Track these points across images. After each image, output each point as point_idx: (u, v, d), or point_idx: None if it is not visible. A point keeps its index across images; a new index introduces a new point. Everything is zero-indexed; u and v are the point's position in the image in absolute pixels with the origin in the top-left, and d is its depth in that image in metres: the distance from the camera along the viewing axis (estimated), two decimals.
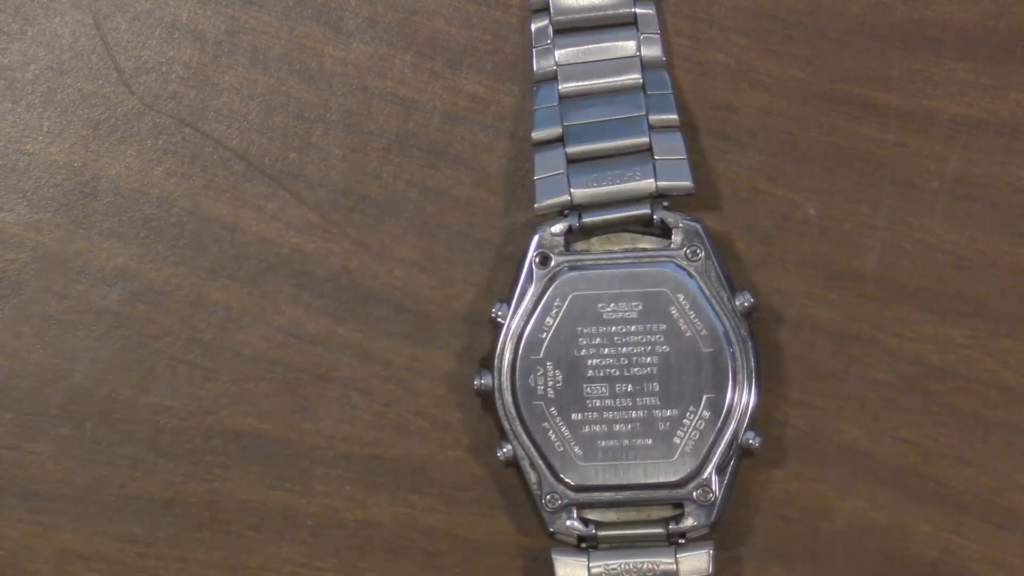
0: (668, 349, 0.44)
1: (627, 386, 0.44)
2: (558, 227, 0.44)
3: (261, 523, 0.45)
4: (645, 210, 0.44)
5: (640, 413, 0.44)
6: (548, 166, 0.44)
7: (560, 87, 0.45)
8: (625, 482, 0.43)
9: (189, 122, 0.46)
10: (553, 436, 0.43)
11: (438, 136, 0.46)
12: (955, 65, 0.46)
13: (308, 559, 0.46)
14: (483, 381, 0.44)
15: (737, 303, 0.44)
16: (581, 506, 0.44)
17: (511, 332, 0.44)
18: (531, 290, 0.44)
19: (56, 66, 0.46)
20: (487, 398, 0.44)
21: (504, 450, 0.44)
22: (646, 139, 0.44)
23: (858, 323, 0.46)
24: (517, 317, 0.44)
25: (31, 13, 0.46)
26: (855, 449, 0.45)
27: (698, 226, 0.44)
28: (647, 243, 0.45)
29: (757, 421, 0.44)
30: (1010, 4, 0.46)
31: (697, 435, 0.43)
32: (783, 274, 0.46)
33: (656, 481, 0.43)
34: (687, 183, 0.44)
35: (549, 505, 0.44)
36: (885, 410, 0.45)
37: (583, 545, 0.44)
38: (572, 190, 0.44)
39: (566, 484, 0.44)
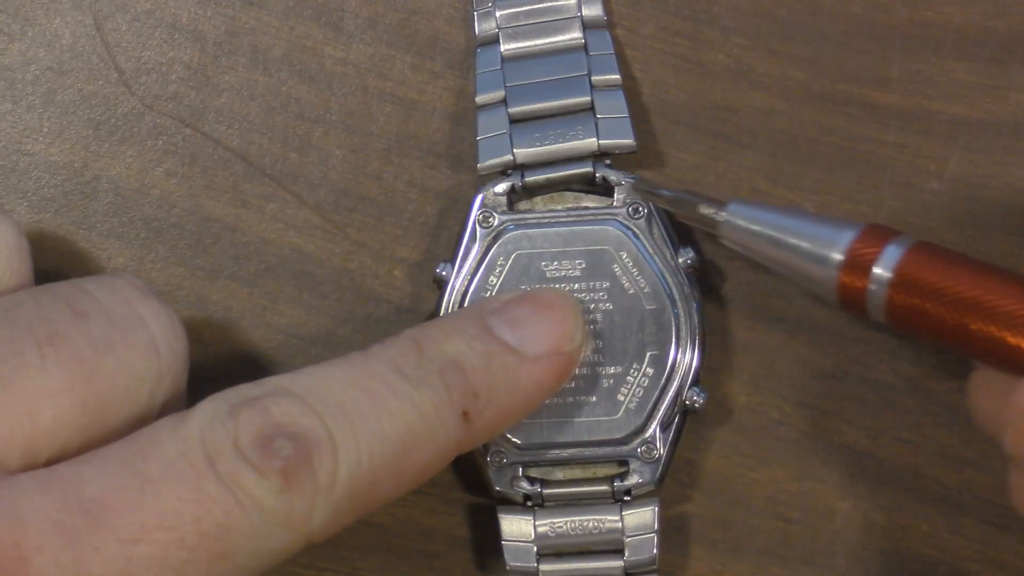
0: (611, 307, 0.44)
1: None
2: (501, 187, 0.45)
3: None
4: (587, 168, 0.44)
5: (584, 370, 0.44)
6: (491, 126, 0.45)
7: (502, 49, 0.45)
8: (570, 440, 0.44)
9: (189, 123, 0.46)
10: None
11: (438, 136, 0.46)
12: (955, 65, 0.46)
13: (308, 559, 0.46)
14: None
15: (680, 260, 0.44)
16: (526, 464, 0.44)
17: (455, 291, 0.44)
18: (475, 249, 0.44)
19: (56, 67, 0.46)
20: None
21: None
22: (588, 98, 0.45)
23: (858, 323, 0.45)
24: (461, 276, 0.44)
25: (31, 14, 0.46)
26: (855, 449, 0.45)
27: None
28: (590, 202, 0.45)
29: (701, 379, 0.44)
30: (1010, 4, 0.46)
31: (641, 392, 0.44)
32: None
33: (600, 438, 0.44)
34: (629, 141, 0.44)
35: (494, 464, 0.44)
36: (885, 410, 0.45)
37: (529, 503, 0.44)
38: (515, 150, 0.44)
39: (511, 443, 0.44)
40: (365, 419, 0.38)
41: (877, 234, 0.39)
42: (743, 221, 0.41)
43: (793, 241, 0.40)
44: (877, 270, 0.38)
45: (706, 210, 0.42)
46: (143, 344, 0.38)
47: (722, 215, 0.41)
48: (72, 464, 0.36)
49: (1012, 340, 0.36)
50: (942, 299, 0.37)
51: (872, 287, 0.38)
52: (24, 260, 0.40)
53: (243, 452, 0.36)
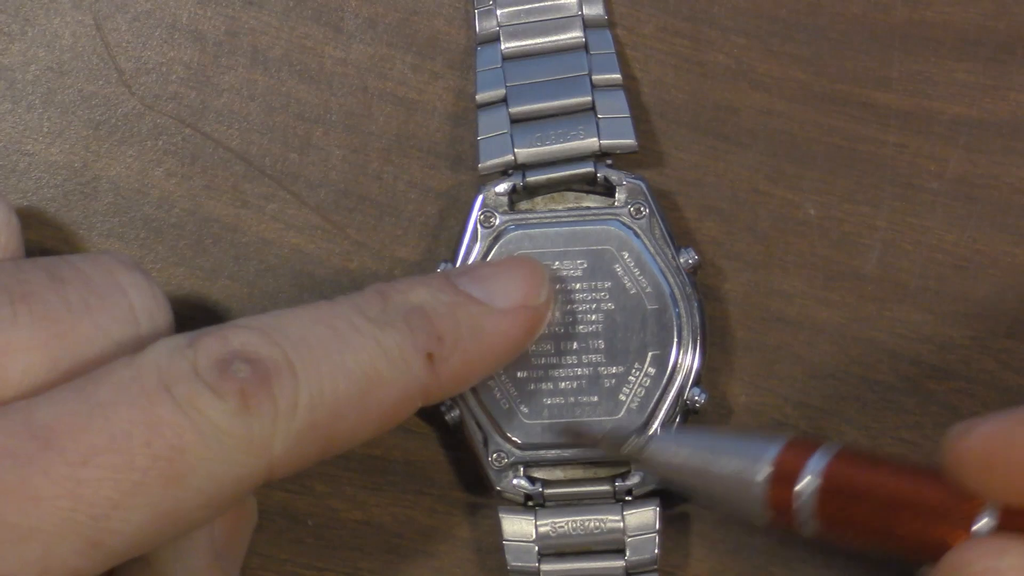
0: (613, 307, 0.44)
1: (572, 344, 0.44)
2: (502, 187, 0.45)
3: (261, 523, 0.45)
4: (588, 168, 0.44)
5: (585, 370, 0.44)
6: (491, 126, 0.45)
7: (503, 47, 0.45)
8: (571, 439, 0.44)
9: (189, 123, 0.46)
10: (499, 394, 0.44)
11: (438, 136, 0.46)
12: (955, 65, 0.46)
13: (308, 559, 0.46)
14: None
15: (682, 260, 0.44)
16: (527, 464, 0.44)
17: None
18: (476, 249, 0.44)
19: (56, 67, 0.46)
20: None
21: (452, 412, 0.44)
22: (589, 98, 0.45)
23: (858, 323, 0.46)
24: None
25: (31, 14, 0.46)
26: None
27: (642, 184, 0.44)
28: (591, 202, 0.45)
29: (703, 379, 0.44)
30: (1010, 4, 0.46)
31: (642, 392, 0.44)
32: (783, 274, 0.46)
33: None
34: (630, 141, 0.44)
35: (495, 464, 0.44)
36: (885, 410, 0.45)
37: (530, 503, 0.44)
38: (516, 149, 0.44)
39: (512, 442, 0.44)
40: (328, 352, 0.37)
41: (801, 444, 0.39)
42: (664, 457, 0.41)
43: (717, 468, 0.40)
44: (805, 479, 0.38)
45: (629, 451, 0.42)
46: (122, 311, 0.38)
47: (643, 452, 0.41)
48: (27, 399, 0.36)
49: (935, 533, 0.37)
50: (872, 500, 0.37)
51: (801, 496, 0.38)
52: (13, 236, 0.40)
53: (200, 375, 0.36)
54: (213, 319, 0.46)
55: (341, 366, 0.38)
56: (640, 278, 0.44)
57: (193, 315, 0.46)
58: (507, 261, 0.43)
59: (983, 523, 0.36)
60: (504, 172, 0.45)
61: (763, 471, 0.39)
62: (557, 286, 0.44)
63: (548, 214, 0.45)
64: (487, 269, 0.42)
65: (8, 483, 0.35)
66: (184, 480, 0.36)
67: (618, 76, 0.45)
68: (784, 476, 0.38)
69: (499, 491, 0.44)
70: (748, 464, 0.39)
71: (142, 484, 0.35)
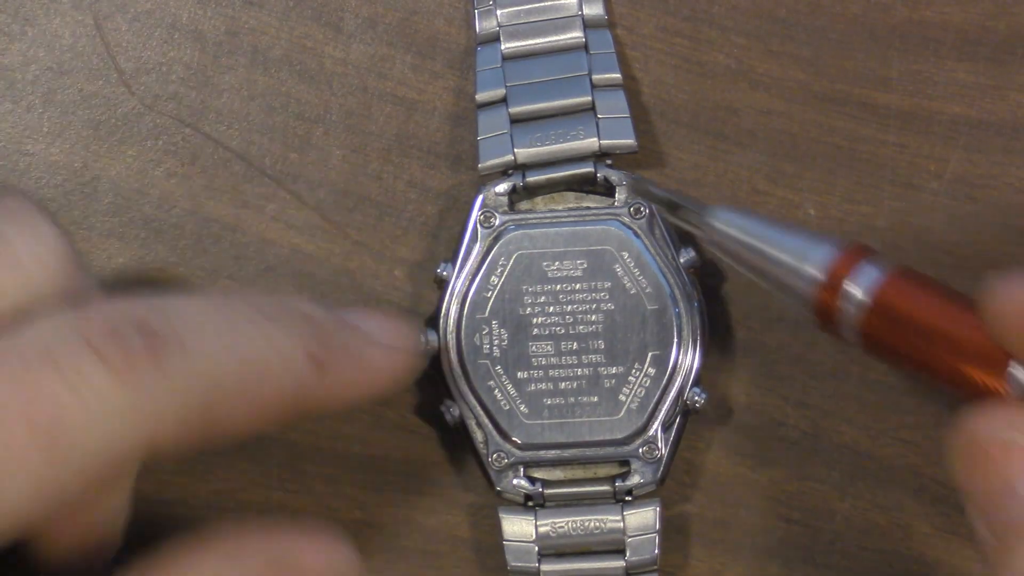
0: (613, 307, 0.44)
1: (572, 344, 0.44)
2: (502, 187, 0.45)
3: None
4: (588, 168, 0.45)
5: (585, 371, 0.44)
6: (491, 126, 0.45)
7: (503, 47, 0.45)
8: (571, 440, 0.44)
9: (189, 123, 0.46)
10: (499, 395, 0.44)
11: (438, 136, 0.46)
12: (955, 65, 0.46)
13: None
14: (429, 340, 0.44)
15: (682, 260, 0.44)
16: (528, 464, 0.44)
17: (456, 291, 0.44)
18: (476, 249, 0.44)
19: (56, 67, 0.46)
20: (433, 358, 0.44)
21: (452, 412, 0.44)
22: (589, 98, 0.45)
23: None
24: (462, 276, 0.44)
25: (31, 14, 0.46)
26: (855, 449, 0.45)
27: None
28: (591, 202, 0.45)
29: (709, 383, 0.44)
30: (1010, 4, 0.46)
31: (642, 392, 0.44)
32: None
33: (602, 438, 0.44)
34: (630, 141, 0.44)
35: (495, 464, 0.44)
36: (885, 410, 0.45)
37: (530, 503, 0.44)
38: (516, 150, 0.44)
39: (512, 442, 0.44)
40: (219, 334, 0.37)
41: (858, 253, 0.39)
42: (727, 227, 0.41)
43: (774, 252, 0.40)
44: (855, 292, 0.38)
45: (693, 213, 0.42)
46: (2, 258, 0.37)
47: (707, 219, 0.41)
48: None
49: (973, 375, 0.37)
50: (915, 329, 0.37)
51: (848, 308, 0.38)
52: (63, 260, 0.39)
53: (91, 343, 0.35)
54: None
55: (232, 349, 0.37)
56: (640, 278, 0.44)
57: None
58: (384, 313, 0.42)
59: (1018, 374, 0.36)
60: (504, 172, 0.45)
61: (815, 275, 0.38)
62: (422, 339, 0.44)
63: (548, 214, 0.45)
64: (371, 312, 0.41)
65: None
66: (63, 451, 0.34)
67: (618, 76, 0.45)
68: (834, 284, 0.38)
69: (499, 491, 0.44)
70: (803, 263, 0.39)
71: (20, 458, 0.34)
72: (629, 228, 0.44)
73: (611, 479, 0.44)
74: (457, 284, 0.44)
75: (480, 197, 0.45)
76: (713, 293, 0.45)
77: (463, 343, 0.44)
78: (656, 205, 0.43)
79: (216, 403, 0.37)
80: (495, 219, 0.44)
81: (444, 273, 0.44)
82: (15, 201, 0.38)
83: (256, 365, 0.37)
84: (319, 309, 0.40)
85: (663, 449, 0.44)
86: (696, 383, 0.44)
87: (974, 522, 0.36)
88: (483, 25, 0.46)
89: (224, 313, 0.38)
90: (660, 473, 0.44)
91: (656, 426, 0.44)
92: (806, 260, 0.39)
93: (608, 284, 0.44)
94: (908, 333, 0.37)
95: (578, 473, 0.44)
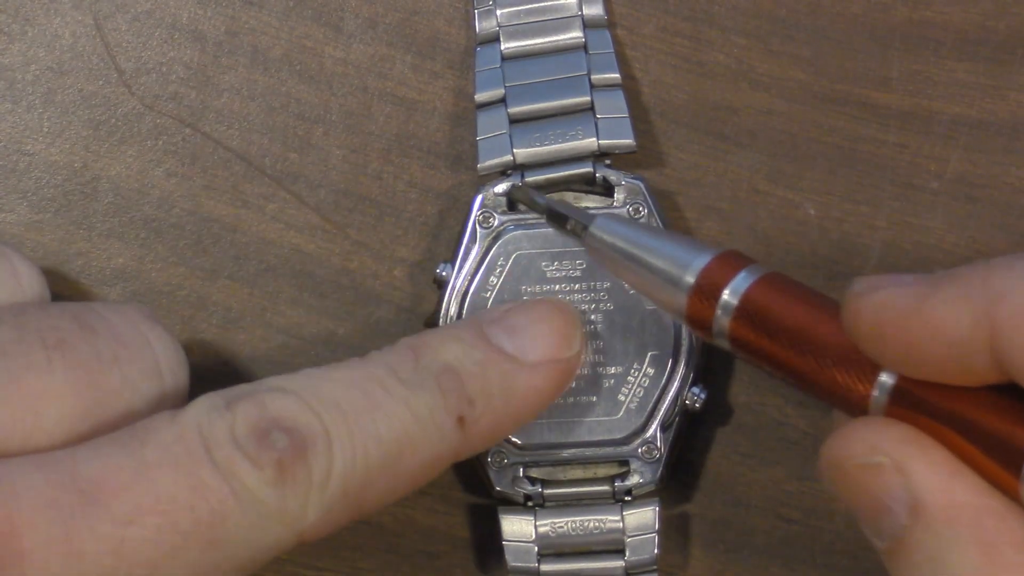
0: (612, 307, 0.44)
1: None
2: (501, 187, 0.45)
3: None
4: (587, 168, 0.45)
5: (584, 371, 0.44)
6: (490, 126, 0.45)
7: (502, 47, 0.45)
8: (570, 440, 0.44)
9: (189, 123, 0.46)
10: None
11: (438, 136, 0.46)
12: (955, 65, 0.46)
13: (308, 559, 0.46)
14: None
15: None
16: (527, 465, 0.44)
17: (455, 291, 0.44)
18: (475, 249, 0.44)
19: (56, 67, 0.46)
20: None
21: None
22: (588, 98, 0.45)
23: None
24: (461, 276, 0.44)
25: (31, 14, 0.46)
26: None
27: (640, 184, 0.44)
28: (590, 202, 0.45)
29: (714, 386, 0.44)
30: (1010, 4, 0.46)
31: (641, 392, 0.44)
32: None
33: (601, 439, 0.44)
34: (629, 141, 0.44)
35: (495, 464, 0.44)
36: None
37: (530, 504, 0.44)
38: (515, 150, 0.44)
39: (511, 443, 0.44)
40: (361, 418, 0.38)
41: (731, 259, 0.39)
42: (607, 236, 0.41)
43: (651, 260, 0.39)
44: (724, 296, 0.38)
45: (575, 223, 0.41)
46: (148, 365, 0.39)
47: (589, 229, 0.41)
48: (68, 449, 0.36)
49: (840, 379, 0.36)
50: (781, 333, 0.37)
51: (717, 312, 0.38)
52: (35, 280, 0.40)
53: (239, 442, 0.36)
54: (213, 319, 0.46)
55: (374, 433, 0.38)
56: None
57: (193, 315, 0.46)
58: (540, 308, 0.42)
59: (885, 380, 0.36)
60: (503, 172, 0.45)
61: (687, 280, 0.38)
62: (587, 327, 0.44)
63: None
64: (520, 318, 0.41)
65: (53, 535, 0.35)
66: (220, 546, 0.36)
67: (617, 76, 0.45)
68: (705, 290, 0.38)
69: (499, 491, 0.44)
70: (677, 269, 0.39)
71: (182, 548, 0.36)
72: None
73: (610, 479, 0.44)
74: (456, 284, 0.44)
75: (479, 197, 0.45)
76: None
77: None
78: (537, 213, 0.43)
79: (361, 490, 0.38)
80: (494, 219, 0.44)
81: (443, 274, 0.44)
82: (142, 309, 0.40)
83: (400, 443, 0.38)
84: (460, 347, 0.40)
85: (662, 449, 0.44)
86: (696, 383, 0.44)
87: (862, 528, 0.36)
88: (483, 25, 0.46)
89: (362, 387, 0.38)
90: (659, 473, 0.44)
91: (655, 426, 0.44)
92: (680, 267, 0.39)
93: (607, 284, 0.44)
94: (774, 336, 0.37)
95: (577, 473, 0.44)
